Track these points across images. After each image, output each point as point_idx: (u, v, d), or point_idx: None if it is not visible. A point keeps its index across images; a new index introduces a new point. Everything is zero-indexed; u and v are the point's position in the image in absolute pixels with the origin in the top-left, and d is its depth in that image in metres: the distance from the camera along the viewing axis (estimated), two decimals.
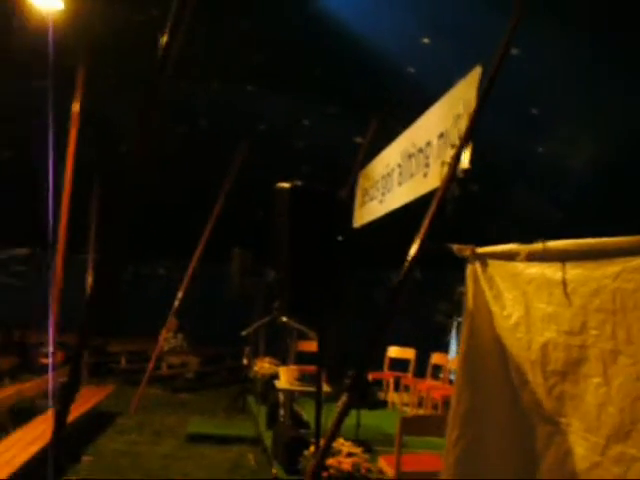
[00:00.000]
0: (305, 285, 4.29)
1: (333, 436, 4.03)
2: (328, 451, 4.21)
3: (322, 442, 4.57)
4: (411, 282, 4.18)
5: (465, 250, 4.10)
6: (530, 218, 11.14)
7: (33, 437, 7.80)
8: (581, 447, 3.29)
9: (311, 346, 11.89)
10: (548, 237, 3.57)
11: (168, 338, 14.60)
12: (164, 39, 3.46)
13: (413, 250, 4.12)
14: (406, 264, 4.09)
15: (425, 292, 15.15)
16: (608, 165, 10.36)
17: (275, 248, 4.59)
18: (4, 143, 14.80)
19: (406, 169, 8.15)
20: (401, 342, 12.21)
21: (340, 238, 4.38)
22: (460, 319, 15.44)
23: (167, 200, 13.21)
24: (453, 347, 15.40)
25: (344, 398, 4.08)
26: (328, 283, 4.38)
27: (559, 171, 11.40)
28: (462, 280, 12.70)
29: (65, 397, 3.63)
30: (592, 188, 11.06)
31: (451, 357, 12.66)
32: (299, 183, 4.32)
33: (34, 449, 7.28)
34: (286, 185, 4.36)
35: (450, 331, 15.82)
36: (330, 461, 5.25)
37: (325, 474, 5.20)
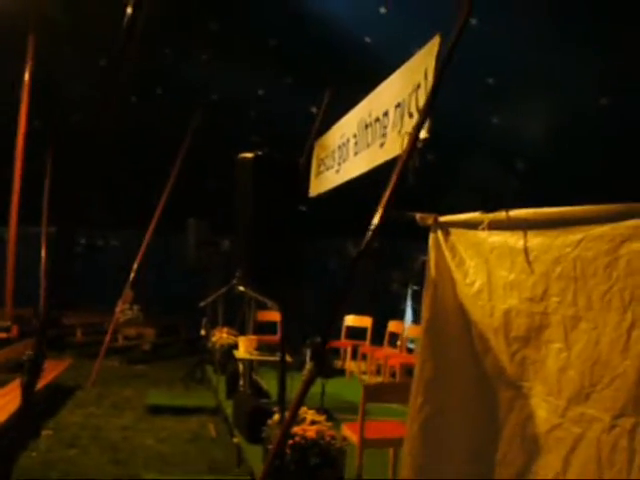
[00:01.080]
0: (268, 255, 4.32)
1: (299, 404, 4.07)
2: (295, 419, 4.26)
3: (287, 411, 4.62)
4: (371, 251, 4.20)
5: (428, 219, 4.15)
6: (485, 187, 11.25)
7: None
8: (543, 410, 3.37)
9: (269, 316, 11.95)
10: (503, 206, 3.63)
11: (124, 310, 14.51)
12: (129, 9, 3.43)
13: (376, 219, 4.14)
14: (369, 233, 4.12)
15: (380, 261, 15.25)
16: (561, 134, 10.49)
17: (236, 218, 4.60)
18: None
19: (362, 139, 8.17)
20: (357, 311, 12.30)
21: (302, 208, 4.41)
22: (415, 287, 15.65)
23: (120, 171, 13.08)
24: (409, 315, 15.54)
25: (309, 367, 4.12)
26: (290, 253, 4.41)
27: (514, 141, 11.52)
28: (416, 249, 12.81)
29: (32, 371, 3.62)
30: (546, 157, 11.20)
31: (407, 325, 12.80)
32: (262, 153, 4.34)
33: None
34: (249, 155, 4.37)
35: (405, 299, 15.94)
36: (295, 429, 5.31)
37: (290, 442, 5.26)
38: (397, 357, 10.92)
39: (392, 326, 11.81)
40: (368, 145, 7.91)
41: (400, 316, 14.66)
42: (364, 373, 11.92)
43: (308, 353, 10.38)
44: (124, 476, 7.20)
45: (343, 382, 11.35)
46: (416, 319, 14.56)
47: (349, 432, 6.05)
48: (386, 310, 13.67)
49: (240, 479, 7.13)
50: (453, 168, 11.95)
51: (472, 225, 3.83)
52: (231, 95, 13.45)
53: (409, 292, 16.00)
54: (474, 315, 3.79)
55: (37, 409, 8.74)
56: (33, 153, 13.78)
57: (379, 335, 11.97)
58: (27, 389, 3.65)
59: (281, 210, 4.32)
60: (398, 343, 11.62)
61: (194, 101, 12.83)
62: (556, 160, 10.84)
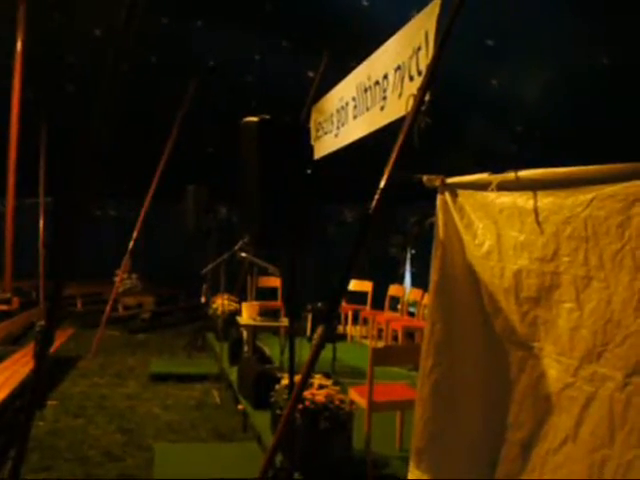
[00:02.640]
0: (275, 218, 4.32)
1: (311, 368, 4.09)
2: (307, 384, 4.28)
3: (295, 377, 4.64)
4: (380, 215, 4.21)
5: (435, 180, 4.14)
6: (484, 150, 11.21)
7: None
8: (554, 369, 3.38)
9: (270, 282, 12.00)
10: (504, 169, 3.62)
11: (123, 279, 14.54)
12: None
13: (383, 181, 4.14)
14: (376, 196, 4.12)
15: (378, 226, 15.24)
16: (561, 97, 10.44)
17: (241, 183, 4.58)
18: None
19: (362, 102, 8.16)
20: (357, 276, 12.33)
21: (309, 171, 4.39)
22: (413, 251, 15.67)
23: (117, 140, 13.02)
24: (408, 279, 15.59)
25: (320, 331, 4.13)
26: (298, 215, 4.41)
27: (513, 103, 11.47)
28: (413, 213, 12.82)
29: (44, 341, 3.62)
30: (545, 120, 11.15)
31: (407, 289, 12.83)
32: (267, 117, 4.31)
33: (1, 395, 7.25)
34: (254, 119, 4.34)
35: (404, 263, 15.98)
36: (304, 394, 5.34)
37: (300, 407, 5.28)
38: (398, 321, 10.94)
39: (393, 290, 11.84)
40: (368, 108, 7.91)
41: (399, 280, 14.71)
42: (365, 337, 11.96)
43: (309, 318, 10.44)
44: (132, 444, 7.24)
45: (345, 347, 11.37)
46: (415, 283, 14.62)
47: (357, 396, 6.07)
48: (385, 275, 13.70)
49: (247, 444, 7.18)
50: (452, 131, 11.90)
51: (480, 186, 3.82)
52: (228, 61, 13.37)
53: (408, 256, 16.03)
54: (484, 276, 3.79)
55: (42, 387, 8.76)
56: (28, 124, 13.71)
57: (379, 300, 11.99)
58: (40, 358, 3.65)
59: (287, 173, 4.31)
60: (399, 307, 11.65)
61: (190, 68, 12.75)
62: (556, 122, 10.80)
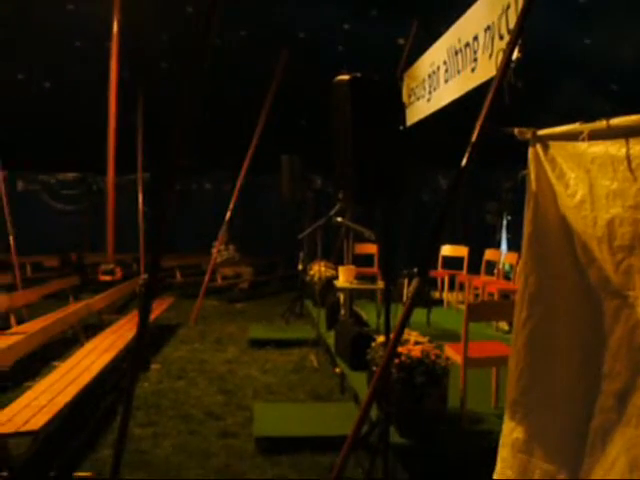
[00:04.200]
0: (369, 174, 4.37)
1: (405, 322, 4.15)
2: (400, 338, 4.34)
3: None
4: (468, 175, 4.21)
5: (526, 133, 4.12)
6: (578, 110, 10.98)
7: (105, 347, 8.12)
8: None
9: (366, 248, 12.09)
10: None
11: (221, 250, 14.82)
12: None
13: (474, 136, 4.15)
14: (468, 149, 4.14)
15: (474, 193, 15.20)
16: None
17: (335, 142, 4.65)
18: (42, 71, 14.97)
19: (452, 66, 8.13)
20: (453, 242, 12.31)
21: (401, 127, 4.43)
22: (509, 217, 15.54)
23: (211, 115, 13.23)
24: (504, 245, 15.49)
25: (415, 283, 4.18)
26: (391, 171, 4.46)
27: (606, 63, 11.23)
28: (508, 179, 12.71)
29: (147, 294, 3.78)
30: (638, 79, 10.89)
31: (503, 253, 12.74)
32: (358, 74, 4.38)
33: (108, 357, 7.58)
34: (345, 77, 4.40)
35: (500, 230, 15.87)
36: (400, 349, 5.40)
37: (396, 361, 5.35)
38: (495, 284, 10.88)
39: (488, 254, 11.77)
40: (459, 71, 7.88)
41: (496, 246, 14.62)
42: (461, 303, 11.94)
43: (405, 284, 10.47)
44: (232, 404, 7.46)
45: (441, 312, 11.40)
46: (511, 248, 14.51)
47: (452, 352, 6.12)
48: (481, 241, 13.63)
49: (344, 403, 7.30)
50: (545, 92, 11.71)
51: (571, 137, 3.79)
52: (317, 32, 13.42)
53: (504, 223, 15.91)
54: (576, 226, 3.77)
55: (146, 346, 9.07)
56: (125, 103, 14.07)
57: (475, 265, 11.94)
58: (144, 311, 3.81)
59: (380, 130, 4.36)
60: (495, 271, 11.58)
61: (280, 40, 12.84)
62: None
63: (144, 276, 3.40)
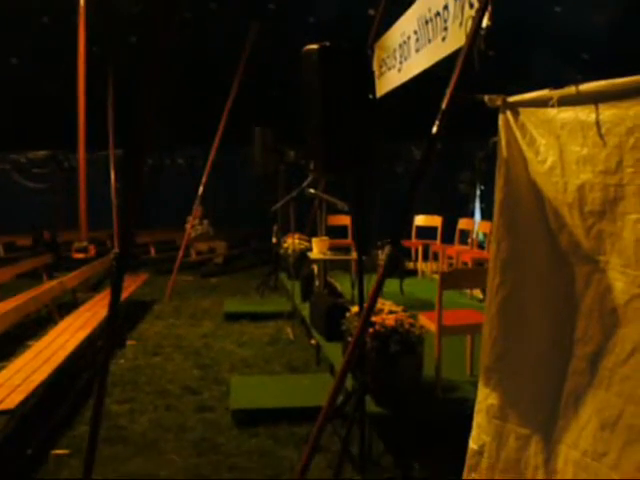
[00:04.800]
0: (340, 143, 4.37)
1: (378, 291, 4.16)
2: (374, 306, 4.34)
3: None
4: (442, 145, 4.22)
5: (496, 100, 4.11)
6: (549, 80, 10.99)
7: (80, 324, 8.10)
8: (620, 282, 3.37)
9: (340, 220, 12.09)
10: None
11: (194, 225, 14.78)
12: None
13: (444, 103, 4.15)
14: (438, 117, 4.13)
15: (446, 163, 15.24)
16: (626, 24, 10.19)
17: (305, 112, 4.64)
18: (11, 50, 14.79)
19: (423, 35, 8.10)
20: (427, 212, 12.33)
21: (371, 96, 4.42)
22: (482, 187, 15.59)
23: (182, 89, 13.15)
24: (477, 214, 15.55)
25: (388, 250, 4.19)
26: (362, 139, 4.45)
27: (577, 31, 11.23)
28: (481, 149, 12.76)
29: (119, 267, 3.75)
30: (610, 48, 10.91)
31: (477, 221, 12.78)
32: (327, 43, 4.36)
33: (83, 335, 7.57)
34: (314, 46, 4.38)
35: (474, 199, 15.93)
36: (374, 318, 5.41)
37: (370, 331, 5.36)
38: (469, 252, 10.92)
39: (462, 223, 11.80)
40: (430, 40, 7.85)
41: (469, 215, 14.68)
42: (436, 273, 11.97)
43: (380, 254, 10.47)
44: (208, 378, 7.48)
45: (416, 282, 11.44)
46: (484, 218, 14.57)
47: (426, 321, 6.13)
48: (455, 211, 13.65)
49: (319, 375, 7.33)
50: (515, 62, 11.72)
51: (541, 103, 3.79)
52: (288, 3, 13.34)
53: (477, 192, 15.97)
54: (547, 192, 3.78)
55: (120, 321, 9.04)
56: (94, 78, 13.94)
57: (449, 235, 11.98)
58: (116, 285, 3.78)
59: (349, 98, 4.35)
60: (469, 240, 11.63)
61: (250, 12, 12.76)
62: (623, 48, 10.56)
63: (116, 250, 3.36)
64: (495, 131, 4.19)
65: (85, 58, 13.54)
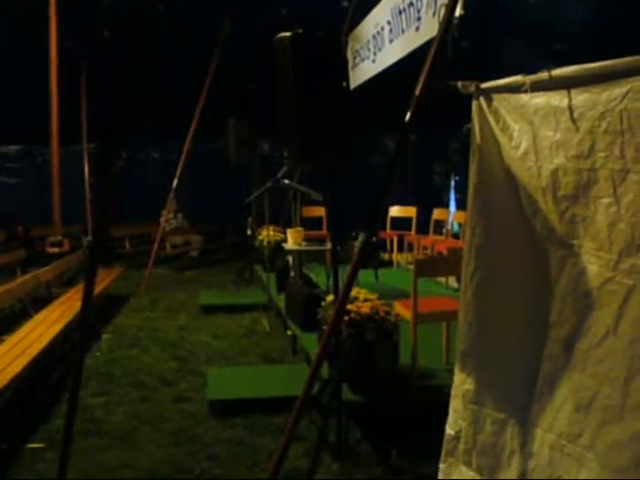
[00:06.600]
0: (315, 132, 4.36)
1: (354, 277, 4.16)
2: (349, 294, 4.35)
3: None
4: (416, 135, 4.23)
5: (469, 86, 4.12)
6: (522, 70, 11.04)
7: (55, 318, 8.04)
8: (594, 265, 3.40)
9: (314, 212, 12.07)
10: None
11: (169, 219, 14.73)
12: None
13: (418, 89, 4.16)
14: (411, 104, 4.14)
15: (421, 155, 15.27)
16: (599, 13, 10.24)
17: (279, 100, 4.63)
18: None
19: (397, 25, 8.11)
20: (401, 203, 12.35)
21: (344, 84, 4.42)
22: (457, 178, 15.65)
23: (152, 83, 13.07)
24: (452, 205, 15.59)
25: (361, 239, 4.20)
26: (335, 127, 4.45)
27: (550, 21, 11.28)
28: (456, 140, 12.79)
29: (92, 254, 3.73)
30: (583, 37, 10.96)
31: (452, 211, 12.82)
32: (300, 30, 4.34)
33: (57, 328, 7.52)
34: (287, 34, 4.37)
35: (449, 190, 15.98)
36: (349, 306, 5.42)
37: (346, 319, 5.37)
38: (444, 242, 10.95)
39: (437, 214, 11.84)
40: (403, 31, 7.87)
41: (444, 206, 14.71)
42: (411, 264, 12.00)
43: (355, 245, 10.48)
44: (185, 370, 7.46)
45: (391, 272, 11.47)
46: (460, 208, 14.61)
47: (402, 308, 6.16)
48: (429, 201, 13.68)
49: (296, 365, 7.34)
50: (488, 52, 11.76)
51: (514, 89, 3.81)
52: None
53: (452, 183, 16.03)
54: (521, 177, 3.80)
55: (93, 314, 9.00)
56: (68, 72, 13.83)
57: (424, 225, 12.01)
58: (89, 272, 3.76)
59: (323, 87, 4.34)
60: (444, 230, 11.66)
61: (223, 3, 12.71)
62: (593, 41, 10.62)
63: (89, 238, 3.34)
64: (469, 120, 4.21)
65: (58, 51, 13.41)
